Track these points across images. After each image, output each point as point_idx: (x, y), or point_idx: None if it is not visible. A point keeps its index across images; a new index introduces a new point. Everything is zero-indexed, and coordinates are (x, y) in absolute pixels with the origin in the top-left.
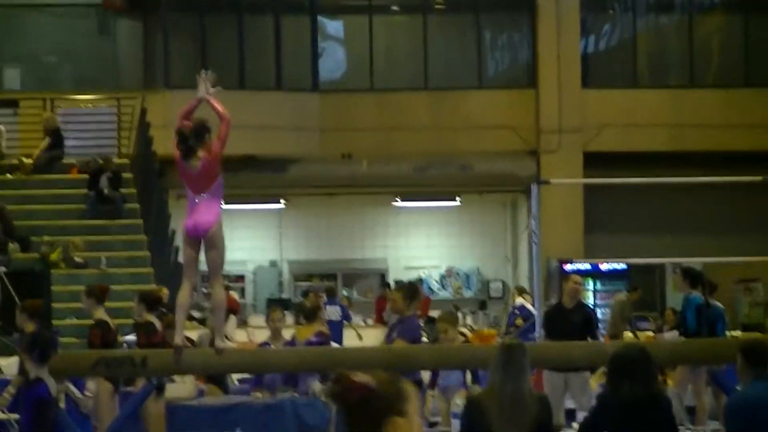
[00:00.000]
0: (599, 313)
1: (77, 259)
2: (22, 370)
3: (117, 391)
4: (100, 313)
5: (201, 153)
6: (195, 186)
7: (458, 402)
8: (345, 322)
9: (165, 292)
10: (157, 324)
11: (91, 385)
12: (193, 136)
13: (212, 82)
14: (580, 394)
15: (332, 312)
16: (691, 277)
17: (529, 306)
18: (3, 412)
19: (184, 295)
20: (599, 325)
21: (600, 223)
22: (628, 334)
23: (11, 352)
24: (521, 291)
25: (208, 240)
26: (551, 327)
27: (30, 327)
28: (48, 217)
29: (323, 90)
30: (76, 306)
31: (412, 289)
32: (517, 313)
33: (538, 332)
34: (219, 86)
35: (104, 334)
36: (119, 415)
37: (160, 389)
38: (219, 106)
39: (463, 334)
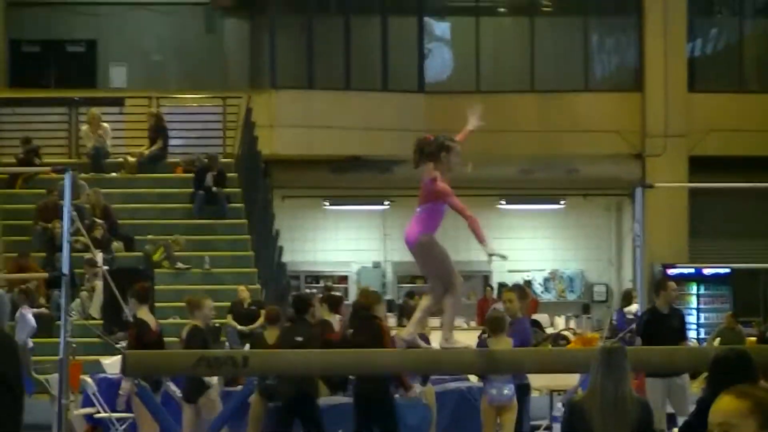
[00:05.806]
0: (702, 317)
1: (179, 262)
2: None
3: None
4: (142, 313)
5: (433, 171)
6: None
7: (559, 405)
8: None
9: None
10: (336, 324)
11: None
12: (420, 149)
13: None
14: (680, 399)
15: None
16: None
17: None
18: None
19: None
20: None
21: (704, 227)
22: None
23: (113, 351)
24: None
25: (413, 253)
26: (649, 332)
27: (143, 312)
28: (152, 216)
29: (429, 91)
30: (179, 305)
31: (522, 290)
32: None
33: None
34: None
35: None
36: (223, 411)
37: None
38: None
39: (565, 337)
